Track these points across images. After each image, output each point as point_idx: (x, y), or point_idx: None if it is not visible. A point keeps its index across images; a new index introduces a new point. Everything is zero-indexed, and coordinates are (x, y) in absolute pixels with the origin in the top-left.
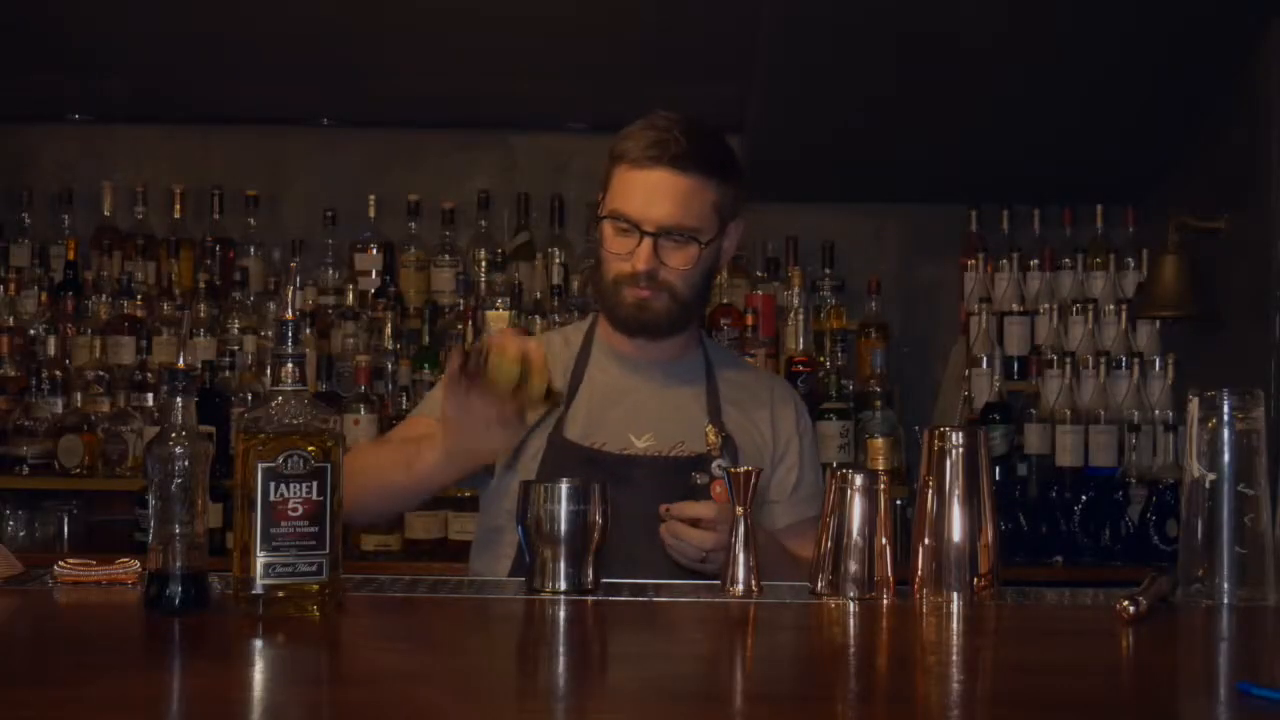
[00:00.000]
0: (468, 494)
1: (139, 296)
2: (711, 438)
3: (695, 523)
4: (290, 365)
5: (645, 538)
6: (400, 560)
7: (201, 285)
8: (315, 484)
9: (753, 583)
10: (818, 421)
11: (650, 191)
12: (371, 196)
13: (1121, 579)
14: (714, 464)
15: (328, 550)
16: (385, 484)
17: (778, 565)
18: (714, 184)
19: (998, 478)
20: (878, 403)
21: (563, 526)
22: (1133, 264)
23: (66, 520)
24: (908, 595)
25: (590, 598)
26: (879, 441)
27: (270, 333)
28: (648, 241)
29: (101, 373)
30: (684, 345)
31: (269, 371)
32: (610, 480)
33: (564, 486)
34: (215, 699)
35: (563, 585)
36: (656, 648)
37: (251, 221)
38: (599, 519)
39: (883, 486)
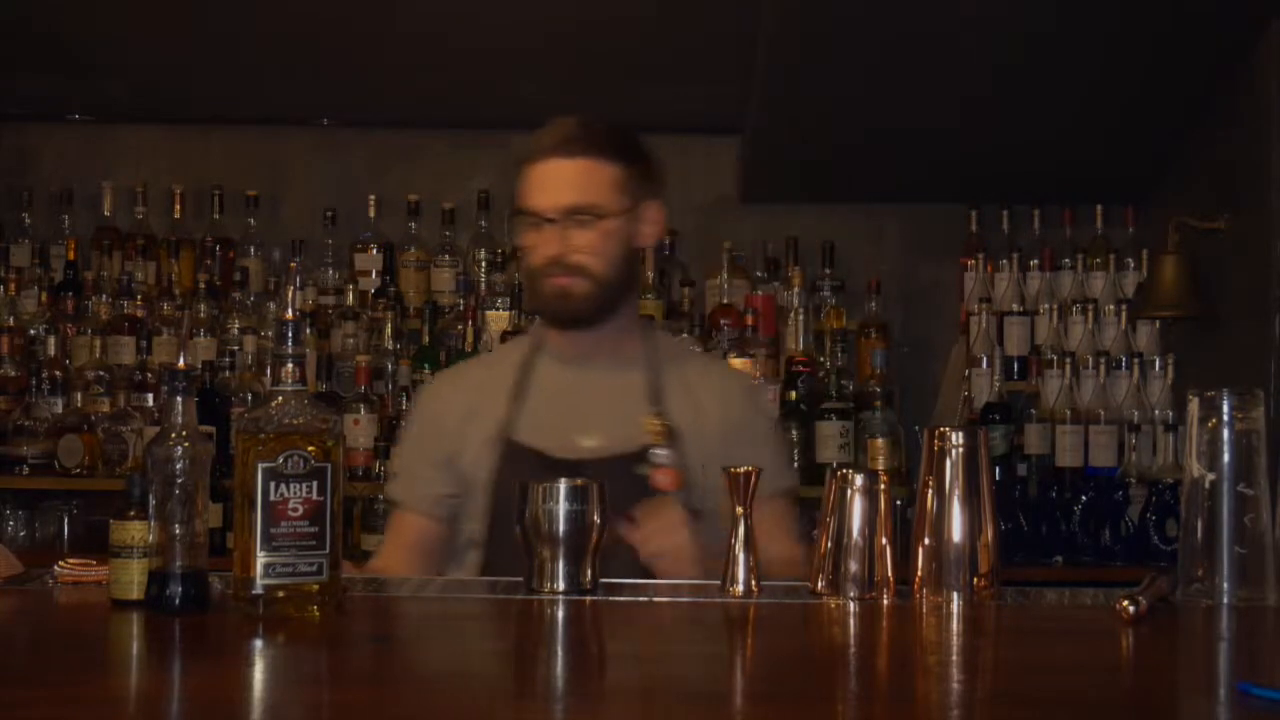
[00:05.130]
0: None
1: (139, 296)
2: (650, 427)
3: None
4: (290, 365)
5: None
6: None
7: (201, 285)
8: (315, 484)
9: (753, 583)
10: (818, 422)
11: (546, 180)
12: (371, 196)
13: (1121, 579)
14: (651, 453)
15: (328, 550)
16: None
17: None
18: (610, 163)
19: (998, 478)
20: (878, 403)
21: (561, 526)
22: (1133, 264)
23: (66, 520)
24: (908, 595)
25: (589, 598)
26: (879, 441)
27: (270, 333)
28: (553, 227)
29: (101, 373)
30: (623, 339)
31: (269, 371)
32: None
33: (563, 486)
34: (215, 699)
35: (561, 585)
36: (656, 648)
37: (251, 221)
38: (598, 519)
39: (883, 486)
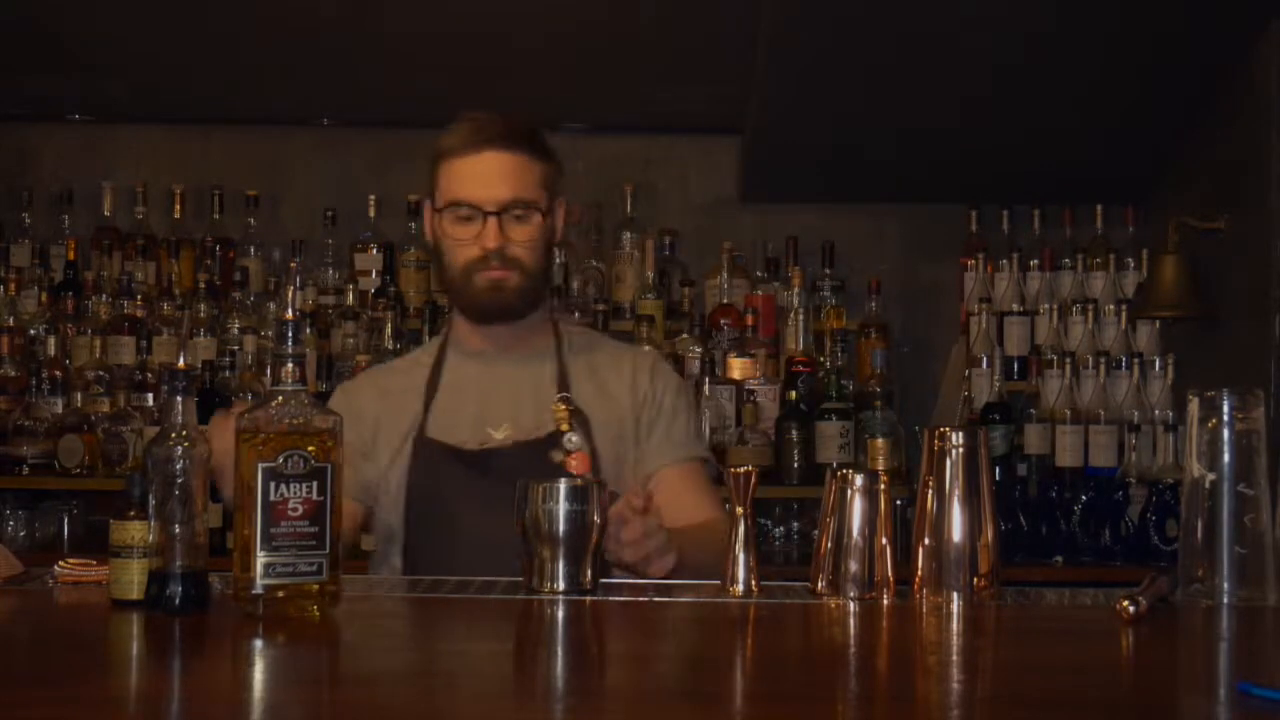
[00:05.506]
0: None
1: (139, 296)
2: (558, 412)
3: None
4: (290, 365)
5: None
6: None
7: (201, 285)
8: (315, 484)
9: (753, 583)
10: (818, 422)
11: (483, 173)
12: (371, 196)
13: (1121, 579)
14: (565, 438)
15: (328, 550)
16: None
17: (697, 549)
18: (537, 160)
19: (998, 478)
20: (878, 403)
21: (561, 526)
22: (1133, 264)
23: (66, 520)
24: (908, 595)
25: (589, 598)
26: (879, 441)
27: (270, 333)
28: (493, 220)
29: (101, 373)
30: (534, 332)
31: (269, 371)
32: (475, 474)
33: (562, 486)
34: (215, 699)
35: (561, 585)
36: (656, 648)
37: (251, 221)
38: (597, 519)
39: (883, 486)
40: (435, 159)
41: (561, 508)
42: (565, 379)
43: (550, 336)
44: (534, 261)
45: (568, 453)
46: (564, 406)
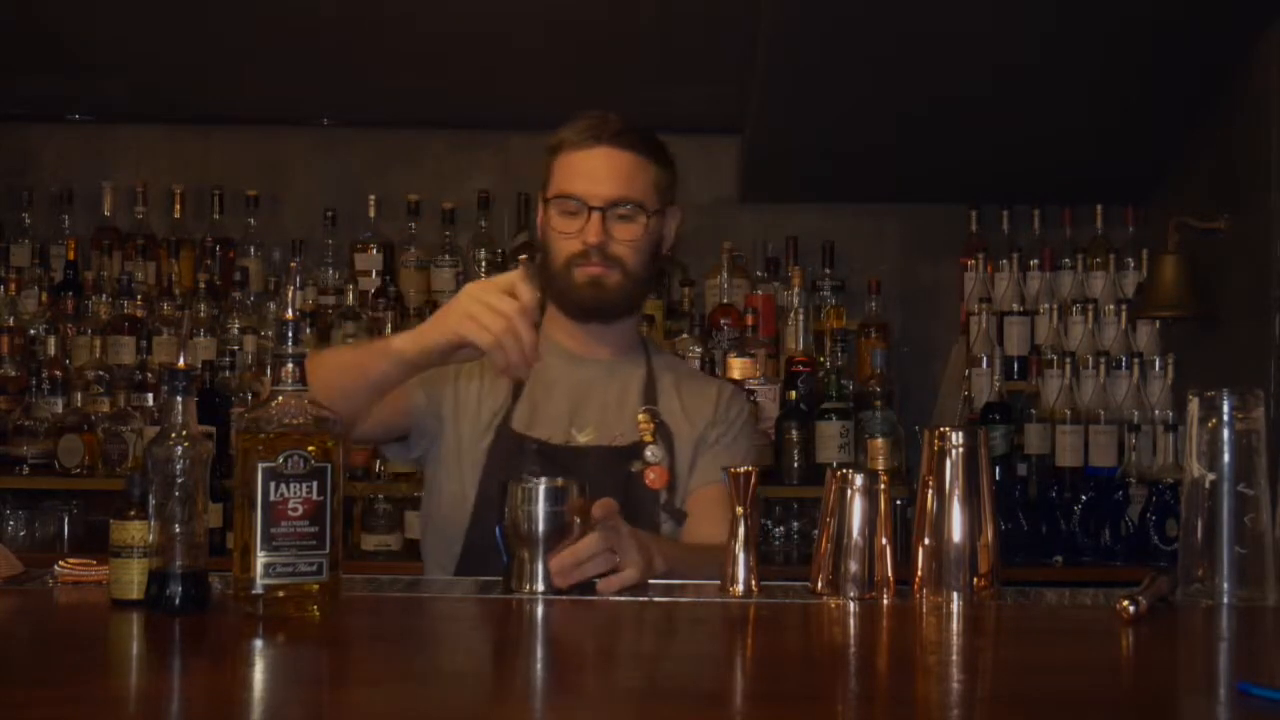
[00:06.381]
0: None
1: (139, 296)
2: (644, 424)
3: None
4: (290, 365)
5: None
6: (400, 560)
7: (201, 285)
8: (315, 484)
9: (753, 583)
10: (818, 422)
11: (594, 168)
12: (371, 196)
13: (1121, 579)
14: (646, 450)
15: (328, 550)
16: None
17: (691, 564)
18: (652, 163)
19: (998, 478)
20: (878, 403)
21: (540, 527)
22: (1133, 264)
23: (66, 520)
24: (908, 595)
25: (587, 598)
26: (879, 441)
27: (270, 333)
28: (596, 216)
29: (101, 373)
30: (626, 338)
31: (269, 371)
32: (555, 471)
33: (542, 486)
34: (215, 699)
35: (539, 586)
36: (656, 648)
37: (251, 221)
38: (578, 520)
39: (883, 486)
40: (550, 151)
41: (540, 509)
42: (653, 390)
43: (641, 353)
44: (636, 262)
45: (647, 465)
46: (649, 419)
